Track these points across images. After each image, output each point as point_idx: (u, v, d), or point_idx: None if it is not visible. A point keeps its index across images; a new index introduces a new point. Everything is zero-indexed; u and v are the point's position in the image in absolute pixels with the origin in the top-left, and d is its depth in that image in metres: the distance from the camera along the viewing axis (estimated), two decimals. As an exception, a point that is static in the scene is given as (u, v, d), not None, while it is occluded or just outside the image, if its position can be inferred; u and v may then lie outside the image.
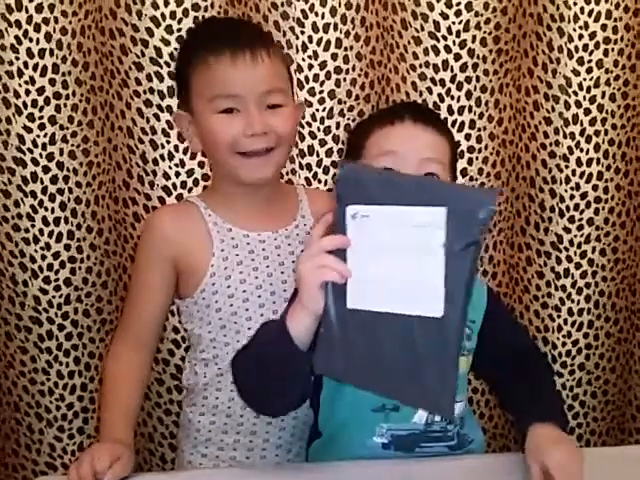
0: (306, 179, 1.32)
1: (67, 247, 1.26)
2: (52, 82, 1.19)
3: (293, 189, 1.23)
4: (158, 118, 1.24)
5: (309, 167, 1.32)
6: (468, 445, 1.04)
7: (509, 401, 1.11)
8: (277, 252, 1.13)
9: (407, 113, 1.04)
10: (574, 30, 1.28)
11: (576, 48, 1.29)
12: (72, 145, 1.23)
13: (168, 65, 1.22)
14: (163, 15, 1.21)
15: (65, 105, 1.21)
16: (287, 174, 1.32)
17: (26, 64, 1.17)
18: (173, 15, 1.21)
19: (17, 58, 1.17)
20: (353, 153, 1.08)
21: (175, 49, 1.21)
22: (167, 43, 1.21)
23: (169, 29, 1.21)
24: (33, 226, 1.24)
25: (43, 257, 1.25)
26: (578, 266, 1.39)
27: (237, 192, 1.11)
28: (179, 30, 1.21)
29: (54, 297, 1.27)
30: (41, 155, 1.21)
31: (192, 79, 1.08)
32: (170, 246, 1.10)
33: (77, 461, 0.97)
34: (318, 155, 1.30)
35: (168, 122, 1.24)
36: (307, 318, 0.85)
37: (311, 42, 1.24)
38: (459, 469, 0.98)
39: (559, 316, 1.41)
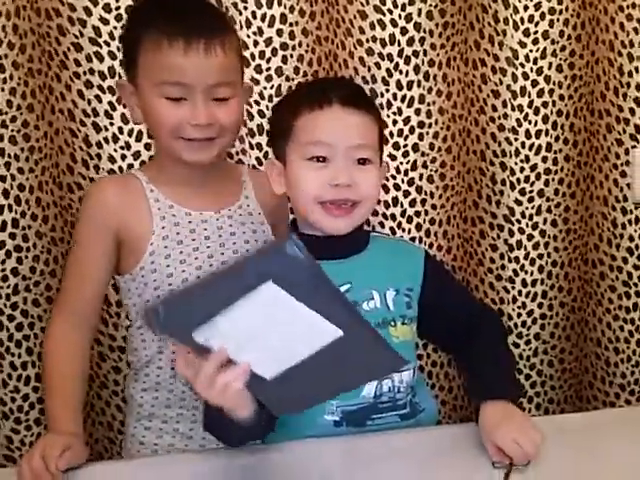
0: (257, 159, 1.31)
1: (12, 236, 1.23)
2: (148, 147, 1.21)
3: (238, 169, 1.20)
4: (100, 100, 1.22)
5: (259, 147, 1.30)
6: (419, 414, 1.04)
7: (463, 369, 1.12)
8: (219, 233, 1.11)
9: (335, 95, 0.99)
10: (519, 1, 1.29)
11: (522, 20, 1.29)
12: (12, 130, 1.19)
13: (108, 45, 1.20)
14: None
15: (2, 89, 1.18)
16: (237, 154, 1.31)
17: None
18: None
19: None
20: (280, 133, 1.03)
21: (114, 27, 1.19)
22: (106, 22, 1.19)
23: (107, 7, 1.19)
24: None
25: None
26: (530, 237, 1.40)
27: (179, 169, 1.09)
28: (117, 9, 1.19)
29: (1, 287, 1.24)
30: (-20, 142, 1.18)
31: (140, 57, 1.04)
32: (112, 218, 1.07)
33: (27, 454, 0.95)
34: (268, 134, 1.29)
35: (110, 103, 1.22)
36: (246, 411, 0.87)
37: (255, 18, 1.23)
38: (408, 441, 0.98)
39: (513, 287, 1.42)
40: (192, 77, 1.01)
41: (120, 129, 1.24)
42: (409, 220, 1.38)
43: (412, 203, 1.38)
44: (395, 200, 1.37)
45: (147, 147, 1.25)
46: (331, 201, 0.98)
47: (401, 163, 1.34)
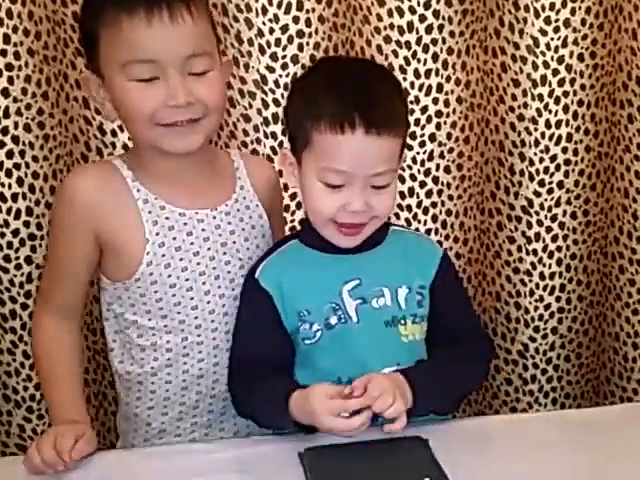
0: (271, 148, 1.29)
1: (26, 224, 1.22)
2: (3, 53, 1.15)
3: (227, 155, 1.10)
4: None
5: (274, 135, 1.29)
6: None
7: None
8: (218, 232, 1.03)
9: (360, 116, 0.90)
10: (540, -12, 1.26)
11: (543, 7, 1.26)
12: (27, 118, 1.19)
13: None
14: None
15: (18, 77, 1.17)
16: (252, 143, 1.29)
17: None
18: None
19: None
20: (297, 135, 0.97)
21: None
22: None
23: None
24: None
25: (2, 235, 1.21)
26: (549, 230, 1.38)
27: (165, 163, 0.99)
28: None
29: (15, 276, 1.23)
30: (-6, 129, 1.17)
31: (101, 40, 0.93)
32: (92, 218, 0.98)
33: (37, 445, 0.92)
34: (283, 123, 1.27)
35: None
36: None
37: (271, 5, 1.21)
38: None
39: (531, 280, 1.40)
40: (160, 51, 0.91)
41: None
42: (425, 211, 1.36)
43: (428, 194, 1.36)
44: (411, 191, 1.35)
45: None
46: (345, 224, 0.97)
47: (418, 153, 1.32)
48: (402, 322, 1.01)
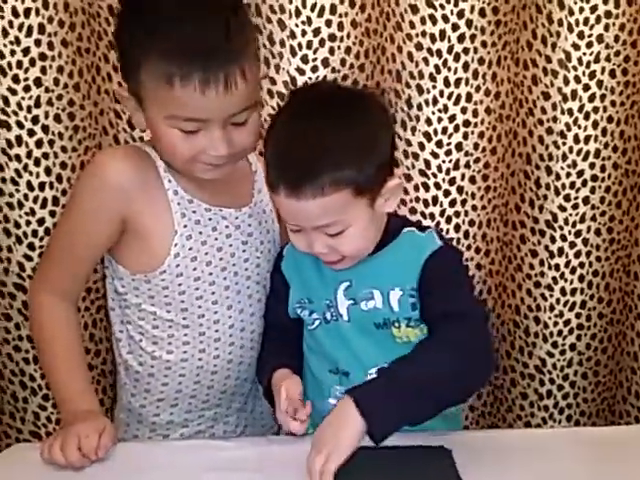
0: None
1: (52, 214, 1.23)
2: (38, 43, 1.16)
3: (246, 158, 1.09)
4: None
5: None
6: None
7: None
8: (239, 231, 1.05)
9: (281, 181, 0.91)
10: (575, 3, 1.25)
11: (577, 21, 1.25)
12: (57, 108, 1.20)
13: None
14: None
15: (50, 67, 1.18)
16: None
17: (11, 23, 1.14)
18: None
19: (1, 17, 1.14)
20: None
21: None
22: None
23: None
24: (17, 191, 1.21)
25: (28, 223, 1.23)
26: (572, 245, 1.37)
27: None
28: None
29: (38, 264, 1.25)
30: (26, 118, 1.18)
31: (145, 81, 0.90)
32: (122, 201, 0.96)
33: (61, 449, 0.90)
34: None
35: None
36: None
37: (305, 7, 1.21)
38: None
39: (551, 295, 1.39)
40: (210, 113, 0.90)
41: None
42: (448, 220, 1.36)
43: (452, 203, 1.35)
44: (435, 199, 1.34)
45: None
46: (325, 261, 0.99)
47: (443, 162, 1.32)
48: (396, 325, 0.99)
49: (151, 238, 0.99)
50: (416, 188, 1.33)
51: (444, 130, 1.30)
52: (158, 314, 1.03)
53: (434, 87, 1.28)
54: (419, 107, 1.28)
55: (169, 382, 1.05)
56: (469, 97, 1.29)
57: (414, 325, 0.99)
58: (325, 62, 1.25)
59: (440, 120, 1.29)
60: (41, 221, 1.23)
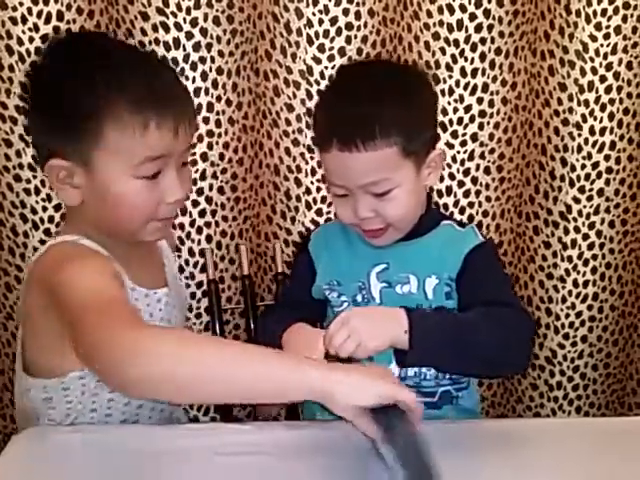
0: (312, 138, 1.29)
1: (206, 120, 1.27)
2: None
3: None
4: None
5: (316, 126, 1.29)
6: (449, 406, 1.02)
7: None
8: (167, 310, 1.00)
9: (335, 136, 0.95)
10: (593, -7, 1.24)
11: (594, 12, 1.25)
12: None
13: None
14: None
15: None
16: (293, 132, 1.30)
17: (30, 10, 1.15)
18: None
19: (20, 3, 1.15)
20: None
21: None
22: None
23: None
24: (35, 177, 1.22)
25: (44, 209, 1.23)
26: (586, 237, 1.36)
27: (119, 244, 0.94)
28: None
29: None
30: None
31: (105, 130, 0.86)
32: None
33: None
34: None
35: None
36: None
37: (323, -4, 1.21)
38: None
39: (564, 287, 1.39)
40: (175, 150, 0.91)
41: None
42: (462, 211, 1.36)
43: (466, 194, 1.35)
44: (449, 190, 1.34)
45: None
46: (361, 228, 1.00)
47: (458, 152, 1.32)
48: None
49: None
50: (430, 178, 1.34)
51: (459, 120, 1.30)
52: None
53: (450, 77, 1.27)
54: (435, 97, 1.29)
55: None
56: (485, 87, 1.29)
57: None
58: (342, 51, 1.25)
59: (456, 110, 1.29)
60: (58, 207, 1.24)
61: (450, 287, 1.01)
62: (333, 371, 0.78)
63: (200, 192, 1.31)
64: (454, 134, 1.31)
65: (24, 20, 1.15)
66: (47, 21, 1.16)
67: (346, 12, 1.23)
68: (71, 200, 0.92)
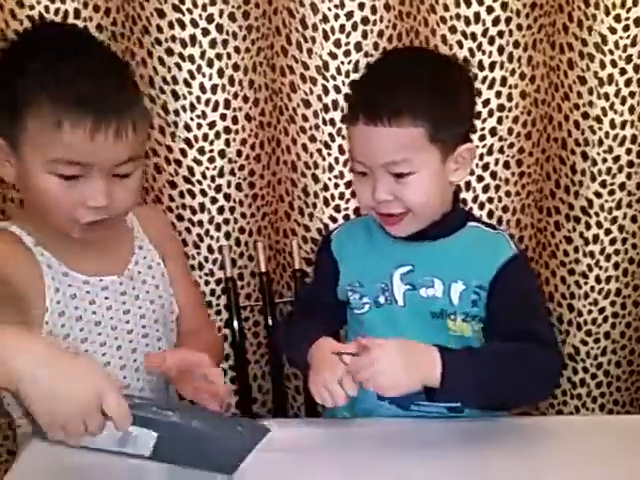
0: (329, 135, 1.29)
1: (223, 117, 1.28)
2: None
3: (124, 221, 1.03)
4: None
5: (332, 122, 1.28)
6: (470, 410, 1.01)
7: None
8: (122, 299, 0.99)
9: (361, 110, 0.95)
10: (612, -16, 1.23)
11: (613, 4, 1.23)
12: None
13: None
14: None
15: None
16: (310, 129, 1.29)
17: (47, 8, 1.15)
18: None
19: (190, 93, 1.22)
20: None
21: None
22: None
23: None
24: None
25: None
26: (608, 232, 1.34)
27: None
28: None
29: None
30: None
31: (27, 120, 0.87)
32: (4, 270, 0.90)
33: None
34: (343, 111, 1.27)
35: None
36: None
37: (339, -10, 1.21)
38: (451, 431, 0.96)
39: (586, 283, 1.37)
40: (96, 159, 0.87)
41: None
42: (481, 206, 1.35)
43: (485, 189, 1.34)
44: (467, 185, 1.33)
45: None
46: (379, 213, 0.99)
47: (477, 147, 1.30)
48: (452, 317, 1.00)
49: (26, 316, 0.91)
50: (449, 174, 1.32)
51: (478, 114, 1.28)
52: None
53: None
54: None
55: None
56: (504, 81, 1.28)
57: (469, 320, 1.00)
58: (358, 46, 1.24)
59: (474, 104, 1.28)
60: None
61: (478, 295, 0.99)
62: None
63: (218, 189, 1.31)
64: (472, 128, 1.29)
65: (41, 18, 1.15)
66: (64, 19, 1.16)
67: (362, 6, 1.22)
68: (9, 177, 0.93)
